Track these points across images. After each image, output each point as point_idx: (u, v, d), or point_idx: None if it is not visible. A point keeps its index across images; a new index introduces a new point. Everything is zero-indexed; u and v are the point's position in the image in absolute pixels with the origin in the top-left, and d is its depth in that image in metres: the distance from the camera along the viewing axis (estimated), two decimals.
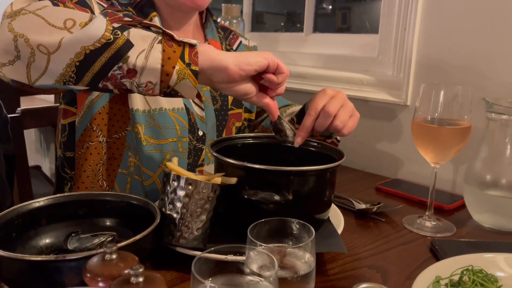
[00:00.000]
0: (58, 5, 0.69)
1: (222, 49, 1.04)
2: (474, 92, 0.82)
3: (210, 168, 0.94)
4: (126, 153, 0.90)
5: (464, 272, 0.61)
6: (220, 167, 0.73)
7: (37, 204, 0.67)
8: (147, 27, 0.65)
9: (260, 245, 0.50)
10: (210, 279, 0.47)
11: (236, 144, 0.86)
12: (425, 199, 0.94)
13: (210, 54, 0.65)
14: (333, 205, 0.81)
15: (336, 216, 0.81)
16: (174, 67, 0.62)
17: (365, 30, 1.59)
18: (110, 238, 0.66)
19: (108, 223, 0.71)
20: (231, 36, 1.11)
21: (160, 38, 0.63)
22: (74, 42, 0.60)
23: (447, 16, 1.08)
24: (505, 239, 0.82)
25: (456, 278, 0.61)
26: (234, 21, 1.58)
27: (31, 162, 2.23)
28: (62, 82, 0.63)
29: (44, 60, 0.61)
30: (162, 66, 0.62)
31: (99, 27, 0.61)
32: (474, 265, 0.61)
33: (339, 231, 0.75)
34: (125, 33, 0.62)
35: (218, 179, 0.67)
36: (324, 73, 1.40)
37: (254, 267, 0.49)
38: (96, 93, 0.88)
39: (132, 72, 0.62)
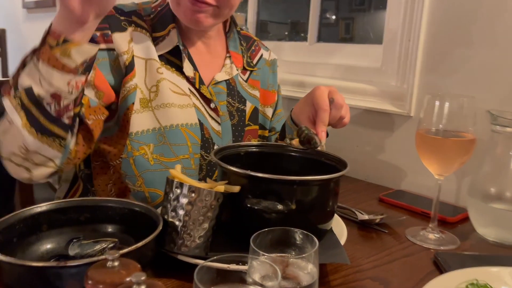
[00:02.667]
0: None
1: (243, 63, 1.03)
2: (478, 104, 0.82)
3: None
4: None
5: (469, 286, 0.60)
6: (224, 175, 0.73)
7: (39, 209, 0.66)
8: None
9: (263, 255, 0.49)
10: None
11: (239, 152, 0.86)
12: (428, 210, 0.93)
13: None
14: (335, 216, 0.80)
15: (339, 227, 0.81)
16: (56, 57, 0.64)
17: (369, 41, 1.59)
18: (112, 245, 0.65)
19: (109, 230, 0.70)
20: (253, 48, 1.09)
21: (34, 57, 0.65)
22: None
23: (452, 28, 1.08)
24: (510, 253, 0.82)
25: None
26: None
27: None
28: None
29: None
30: (56, 69, 0.65)
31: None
32: (479, 279, 0.61)
33: (342, 242, 0.74)
34: (18, 93, 0.66)
35: (221, 187, 0.66)
36: (327, 83, 1.40)
37: (257, 277, 0.49)
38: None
39: (54, 95, 0.67)
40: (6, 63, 2.61)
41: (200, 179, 0.93)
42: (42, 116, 0.67)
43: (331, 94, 0.84)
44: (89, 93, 0.81)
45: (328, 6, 1.73)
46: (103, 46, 0.84)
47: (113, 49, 0.84)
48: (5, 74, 2.61)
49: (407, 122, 1.19)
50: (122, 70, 0.85)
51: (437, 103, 0.81)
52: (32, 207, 0.66)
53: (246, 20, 1.81)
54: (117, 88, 0.86)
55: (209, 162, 0.94)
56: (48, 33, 0.65)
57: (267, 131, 1.10)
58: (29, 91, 0.65)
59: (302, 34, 1.89)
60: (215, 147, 0.94)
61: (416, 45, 1.14)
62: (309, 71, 1.52)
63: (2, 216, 0.62)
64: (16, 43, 3.03)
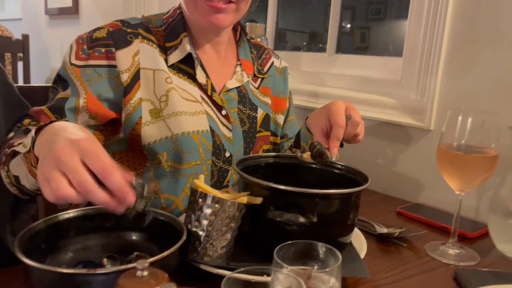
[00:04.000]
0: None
1: (253, 70, 1.04)
2: (501, 120, 0.82)
3: (235, 189, 0.94)
4: None
5: None
6: (246, 186, 0.74)
7: (66, 216, 0.68)
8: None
9: (286, 268, 0.50)
10: None
11: (260, 163, 0.87)
12: (447, 225, 0.93)
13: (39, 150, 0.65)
14: (355, 229, 0.81)
15: (358, 240, 0.81)
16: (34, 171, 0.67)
17: (386, 51, 1.60)
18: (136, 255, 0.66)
19: (134, 237, 0.71)
20: (264, 56, 1.10)
21: (21, 155, 0.69)
22: None
23: (474, 42, 1.08)
24: None
25: None
26: (258, 39, 1.60)
27: None
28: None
29: None
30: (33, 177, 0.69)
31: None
32: None
33: (362, 255, 0.74)
34: (10, 174, 0.73)
35: (244, 198, 0.67)
36: (346, 94, 1.40)
37: None
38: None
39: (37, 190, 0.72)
40: (29, 68, 2.67)
41: (211, 185, 0.94)
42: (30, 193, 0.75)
43: (348, 111, 0.83)
44: (83, 117, 0.86)
45: (344, 14, 1.74)
46: (105, 62, 0.86)
47: (116, 66, 0.87)
48: (27, 79, 2.67)
49: (427, 136, 1.19)
50: (123, 89, 0.87)
51: (459, 118, 0.81)
52: (60, 213, 0.68)
53: (265, 30, 1.83)
54: (120, 102, 0.88)
55: (220, 168, 0.95)
56: (32, 148, 0.65)
57: (279, 137, 1.11)
58: (17, 179, 0.73)
59: (320, 45, 1.91)
60: (226, 153, 0.95)
61: (437, 59, 1.14)
62: (327, 82, 1.53)
63: (28, 223, 0.64)
64: (38, 48, 3.09)
